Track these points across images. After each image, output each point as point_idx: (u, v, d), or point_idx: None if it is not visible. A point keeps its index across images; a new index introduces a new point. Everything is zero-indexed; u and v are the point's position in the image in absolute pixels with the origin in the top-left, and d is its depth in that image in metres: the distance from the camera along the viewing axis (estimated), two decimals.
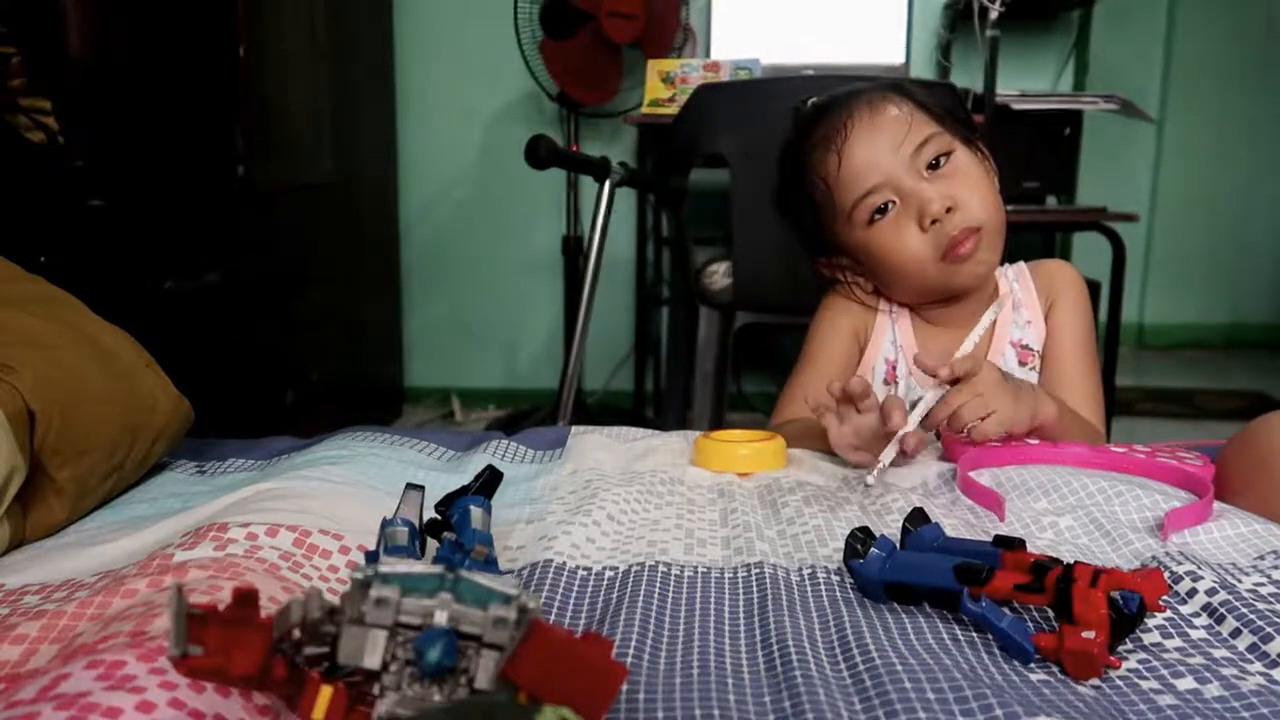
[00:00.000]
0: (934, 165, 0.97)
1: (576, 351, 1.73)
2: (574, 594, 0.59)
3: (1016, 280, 1.09)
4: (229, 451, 0.94)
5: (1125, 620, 0.51)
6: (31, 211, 1.49)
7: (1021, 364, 1.05)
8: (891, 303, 1.08)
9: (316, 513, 0.67)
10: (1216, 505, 0.72)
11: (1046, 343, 1.05)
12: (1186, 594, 0.58)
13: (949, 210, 0.95)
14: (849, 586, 0.60)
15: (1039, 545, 0.67)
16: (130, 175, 1.66)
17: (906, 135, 0.97)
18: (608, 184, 1.68)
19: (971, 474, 0.79)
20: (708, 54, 2.66)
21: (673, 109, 2.30)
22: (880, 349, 1.08)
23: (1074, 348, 1.04)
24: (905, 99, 1.00)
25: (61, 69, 1.53)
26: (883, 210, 0.98)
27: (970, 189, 0.97)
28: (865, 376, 1.02)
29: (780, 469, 0.86)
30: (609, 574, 0.62)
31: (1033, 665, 0.50)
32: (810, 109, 1.06)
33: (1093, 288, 2.40)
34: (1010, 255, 1.10)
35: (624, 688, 0.45)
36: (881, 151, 0.97)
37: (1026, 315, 1.07)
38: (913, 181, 0.96)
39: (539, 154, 1.51)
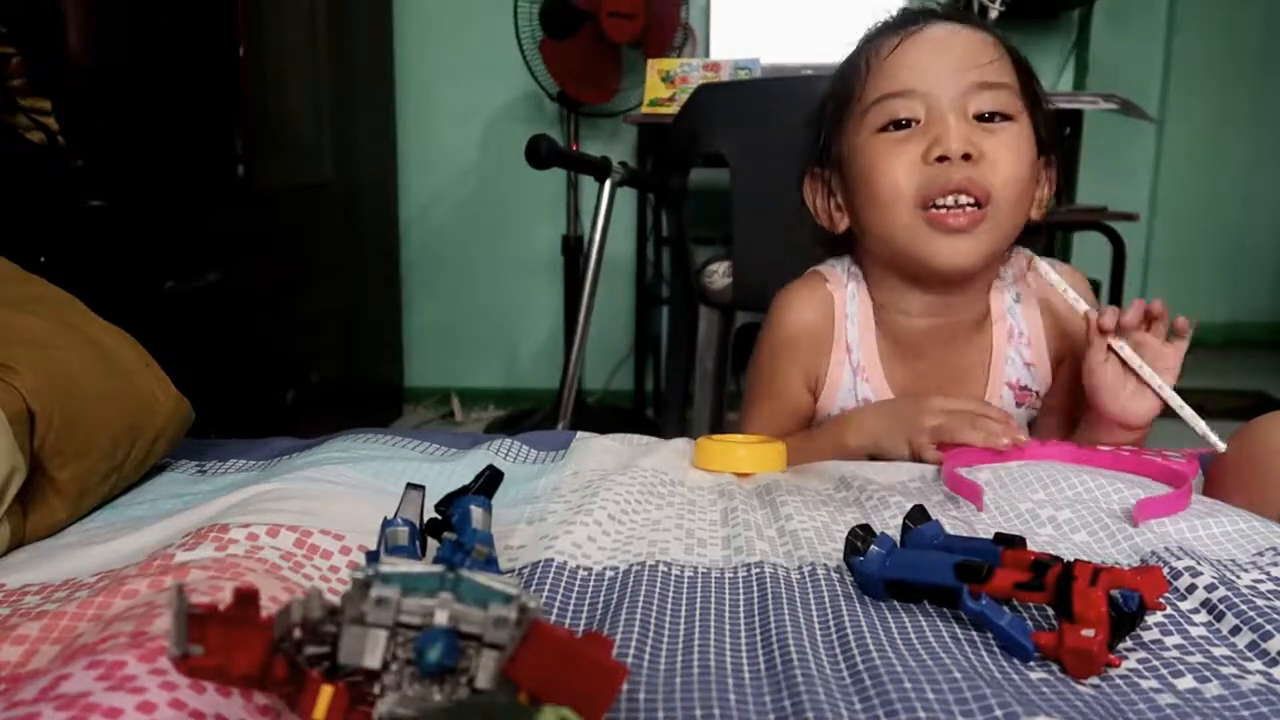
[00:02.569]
0: (985, 119, 0.82)
1: (577, 353, 1.73)
2: (574, 594, 0.60)
3: (1019, 303, 0.93)
4: (229, 452, 0.94)
5: (1125, 619, 0.51)
6: (31, 211, 1.49)
7: (1019, 405, 0.93)
8: (848, 286, 0.94)
9: (317, 513, 0.67)
10: (1212, 502, 0.73)
11: (1058, 387, 0.94)
12: (1186, 590, 0.58)
13: (966, 157, 0.80)
14: (849, 584, 0.60)
15: (1039, 542, 0.67)
16: (130, 175, 1.66)
17: (979, 68, 0.82)
18: (608, 184, 1.68)
19: (965, 471, 0.79)
20: (707, 54, 2.66)
21: (673, 109, 2.30)
22: (839, 386, 0.95)
23: (1074, 397, 0.93)
24: (1006, 49, 0.86)
25: (61, 69, 1.53)
26: (901, 125, 0.84)
27: (1006, 156, 0.81)
28: (833, 394, 0.94)
29: (780, 471, 0.86)
30: (609, 574, 0.62)
31: (1032, 664, 0.50)
32: (925, 8, 0.92)
33: (1093, 288, 2.41)
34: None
35: (624, 688, 0.45)
36: (941, 65, 0.82)
37: (1028, 355, 0.93)
38: (950, 110, 0.81)
39: (540, 153, 1.51)
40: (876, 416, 0.90)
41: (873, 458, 0.87)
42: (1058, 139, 0.89)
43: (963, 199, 0.81)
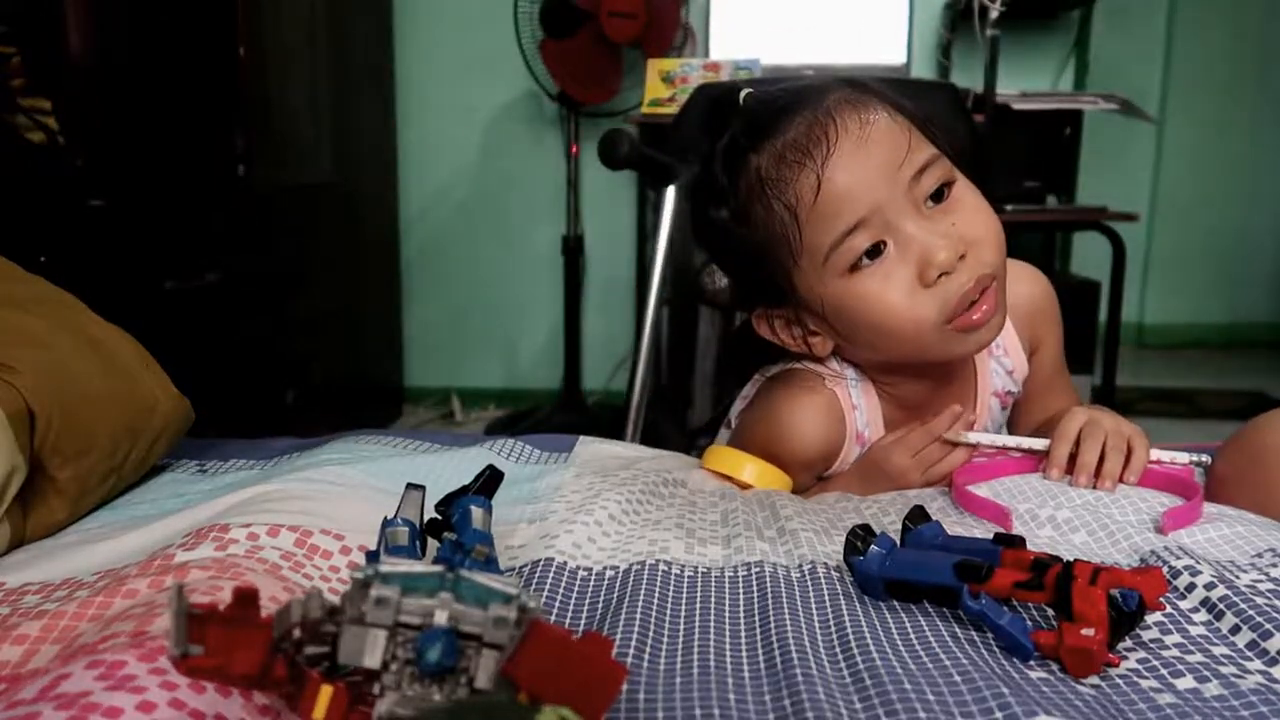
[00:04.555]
0: (936, 196, 0.77)
1: (644, 368, 1.57)
2: (574, 593, 0.60)
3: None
4: (230, 451, 0.94)
5: (1125, 618, 0.51)
6: (31, 211, 1.49)
7: (1003, 408, 0.94)
8: (846, 374, 0.88)
9: (317, 513, 0.67)
10: (1210, 506, 0.73)
11: (1029, 377, 0.94)
12: (1185, 589, 0.58)
13: (960, 258, 0.76)
14: (849, 583, 0.60)
15: (1038, 543, 0.67)
16: (130, 175, 1.66)
17: (906, 156, 0.76)
18: (671, 189, 1.54)
19: (969, 488, 0.79)
20: (707, 54, 2.66)
21: (673, 109, 2.30)
22: (847, 463, 0.90)
23: (1054, 373, 0.96)
24: (893, 107, 0.80)
25: (61, 69, 1.53)
26: (873, 254, 0.77)
27: (982, 227, 0.78)
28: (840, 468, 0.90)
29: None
30: (609, 574, 0.62)
31: (1032, 663, 0.50)
32: (764, 105, 0.82)
33: (1093, 288, 2.42)
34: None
35: (624, 688, 0.45)
36: (873, 175, 0.75)
37: (1008, 364, 0.92)
38: (913, 221, 0.76)
39: (619, 154, 1.34)
40: (865, 480, 0.87)
41: None
42: (955, 150, 0.82)
43: (974, 297, 0.77)
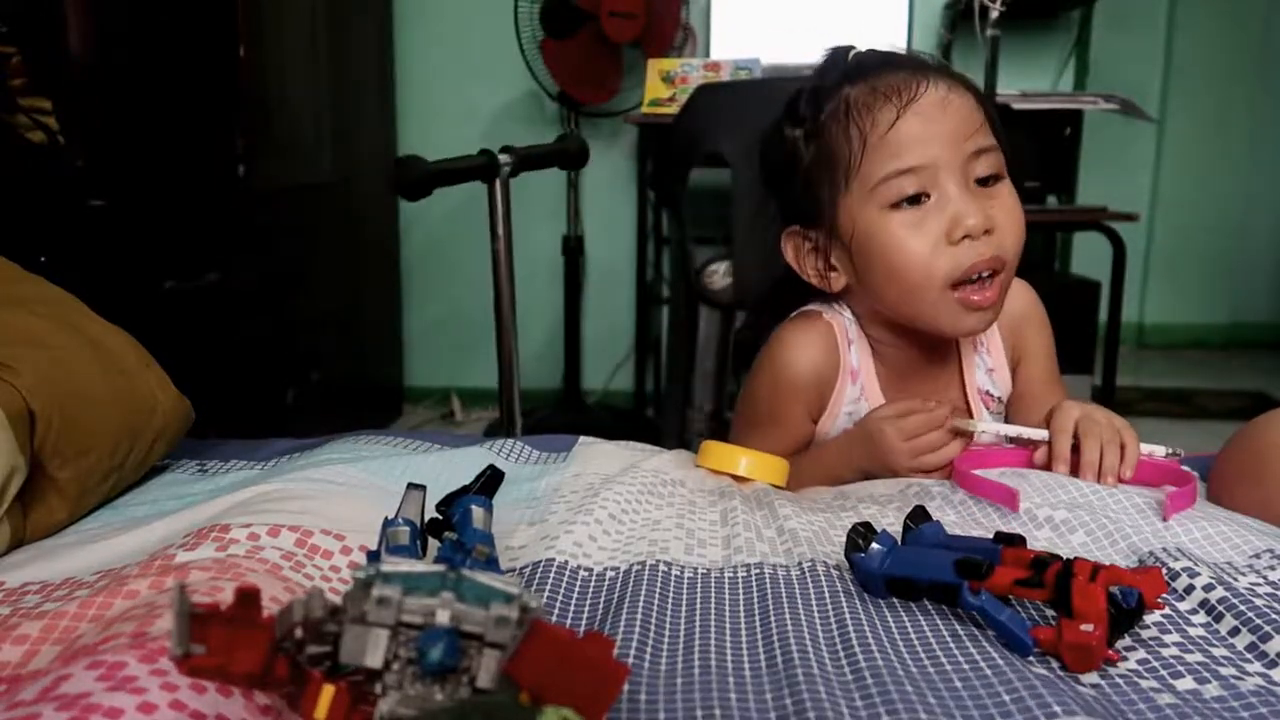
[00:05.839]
0: (983, 182, 0.84)
1: (510, 355, 1.58)
2: (575, 593, 0.60)
3: None
4: (230, 452, 0.94)
5: (1124, 615, 0.51)
6: (31, 211, 1.49)
7: (985, 409, 0.96)
8: (844, 314, 0.93)
9: (318, 513, 0.67)
10: (1207, 506, 0.73)
11: (1018, 389, 0.96)
12: (1184, 590, 0.58)
13: (986, 231, 0.82)
14: (849, 581, 0.60)
15: (1037, 544, 0.67)
16: (130, 175, 1.66)
17: (972, 135, 0.83)
18: (498, 182, 1.53)
19: (974, 473, 0.79)
20: (707, 54, 2.66)
21: (673, 109, 2.30)
22: (842, 409, 0.94)
23: (1046, 385, 0.97)
24: (974, 95, 0.87)
25: (61, 69, 1.53)
26: (914, 201, 0.83)
27: (1012, 220, 0.84)
28: (835, 416, 0.94)
29: (779, 485, 0.87)
30: (610, 574, 0.62)
31: (1033, 660, 0.50)
32: (871, 56, 0.90)
33: (1093, 288, 2.41)
34: None
35: (625, 687, 0.45)
36: (942, 136, 0.82)
37: (990, 363, 0.96)
38: (957, 185, 0.82)
39: (413, 178, 1.26)
40: (857, 447, 0.90)
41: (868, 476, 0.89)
42: (1013, 157, 0.89)
43: (985, 271, 0.83)
